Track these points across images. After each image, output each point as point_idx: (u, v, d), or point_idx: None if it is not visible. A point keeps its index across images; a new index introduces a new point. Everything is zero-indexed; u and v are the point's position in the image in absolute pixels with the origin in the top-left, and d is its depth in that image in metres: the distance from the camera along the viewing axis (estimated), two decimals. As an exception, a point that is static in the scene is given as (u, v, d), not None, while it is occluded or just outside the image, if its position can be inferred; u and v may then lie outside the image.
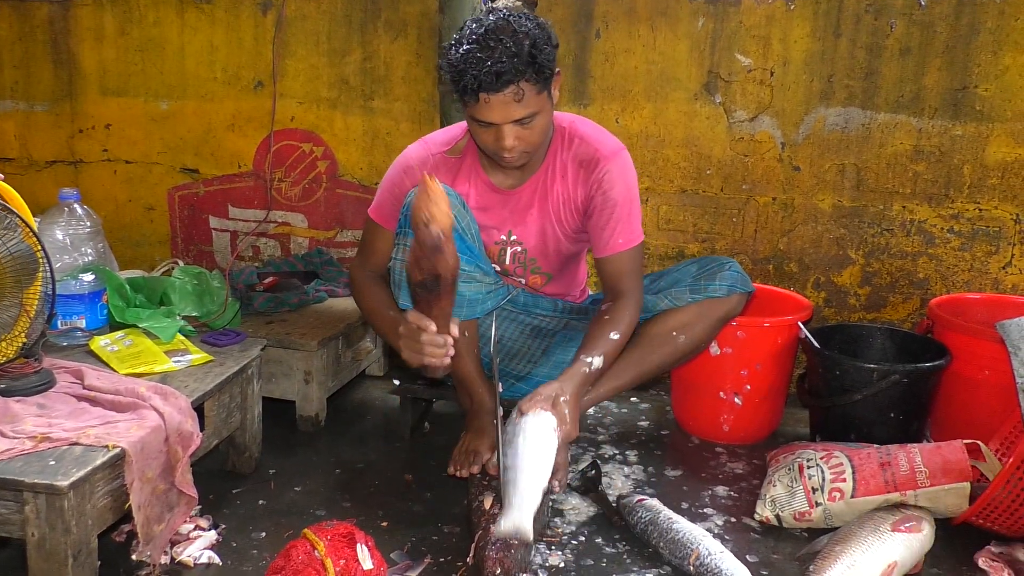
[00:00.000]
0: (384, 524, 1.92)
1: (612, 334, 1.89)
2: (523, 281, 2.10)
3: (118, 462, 1.59)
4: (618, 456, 2.25)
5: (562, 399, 1.76)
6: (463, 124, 2.03)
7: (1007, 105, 2.34)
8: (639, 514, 1.87)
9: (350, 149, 2.82)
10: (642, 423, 2.47)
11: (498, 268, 2.05)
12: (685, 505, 2.00)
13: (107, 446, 1.58)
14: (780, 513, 1.90)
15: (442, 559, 1.79)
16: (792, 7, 2.42)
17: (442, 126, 2.53)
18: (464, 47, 1.74)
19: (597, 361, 1.86)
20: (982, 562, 1.77)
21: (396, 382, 2.28)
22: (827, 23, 2.41)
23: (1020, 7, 2.29)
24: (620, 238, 1.95)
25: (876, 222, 2.48)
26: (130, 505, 1.61)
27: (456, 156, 2.01)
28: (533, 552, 1.79)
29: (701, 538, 1.76)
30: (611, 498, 2.02)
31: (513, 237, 2.04)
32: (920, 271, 2.48)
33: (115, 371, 1.92)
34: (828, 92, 2.45)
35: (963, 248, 2.44)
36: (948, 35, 2.35)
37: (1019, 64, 2.32)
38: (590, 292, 2.30)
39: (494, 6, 1.84)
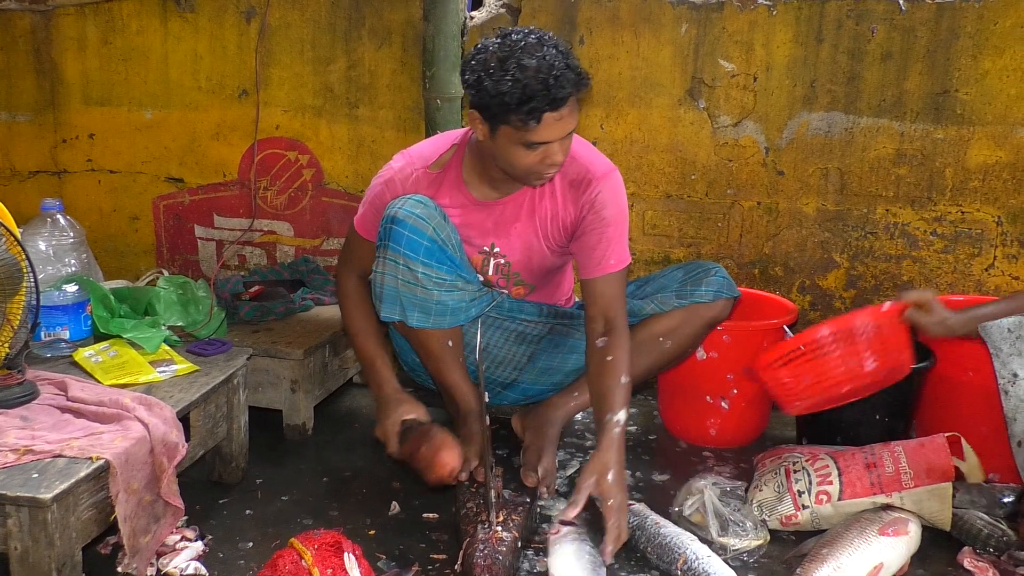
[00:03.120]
0: (372, 532, 1.92)
1: (623, 379, 1.86)
2: (506, 292, 2.10)
3: (102, 474, 1.59)
4: (606, 461, 2.25)
5: (608, 476, 1.75)
6: (449, 136, 2.03)
7: (987, 108, 2.37)
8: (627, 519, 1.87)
9: (335, 157, 2.81)
10: (630, 428, 2.47)
11: (481, 278, 2.04)
12: (672, 510, 2.00)
13: (91, 458, 1.57)
14: (767, 517, 1.91)
15: (430, 567, 1.79)
16: (775, 13, 2.44)
17: (427, 133, 2.53)
18: (513, 72, 1.67)
19: (622, 415, 1.84)
20: (967, 563, 1.78)
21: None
22: (809, 28, 2.43)
23: (999, 11, 2.32)
24: (612, 259, 1.94)
25: (860, 225, 2.50)
26: (115, 517, 1.61)
27: (438, 170, 1.98)
28: (521, 558, 1.79)
29: (688, 543, 1.76)
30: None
31: (496, 249, 2.04)
32: (904, 273, 2.49)
33: (99, 382, 1.91)
34: (811, 97, 2.46)
35: (946, 250, 2.46)
36: (929, 40, 2.37)
37: (999, 68, 2.34)
38: (576, 299, 2.30)
39: (505, 29, 1.81)
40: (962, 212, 2.43)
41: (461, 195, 1.98)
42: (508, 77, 1.67)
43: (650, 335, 2.05)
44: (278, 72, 2.79)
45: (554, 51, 1.70)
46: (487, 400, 1.73)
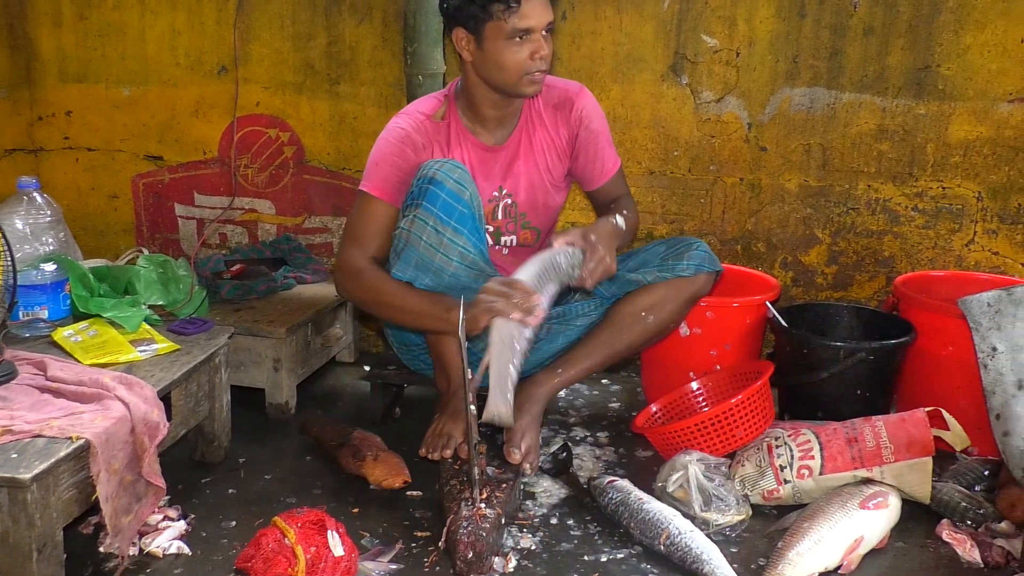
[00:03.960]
0: (355, 510, 1.92)
1: (623, 214, 1.98)
2: (515, 239, 2.13)
3: (83, 453, 1.57)
4: (589, 438, 2.26)
5: (592, 236, 1.85)
6: (434, 95, 2.08)
7: (968, 84, 2.37)
8: (610, 495, 1.88)
9: (317, 134, 2.79)
10: (613, 405, 2.48)
11: (490, 228, 2.07)
12: (656, 485, 2.01)
13: (71, 437, 1.56)
14: (749, 492, 1.92)
15: (413, 544, 1.79)
16: (757, -13, 2.43)
17: (409, 110, 2.51)
18: None
19: (620, 221, 1.95)
20: (946, 535, 1.80)
21: (367, 368, 2.27)
22: (792, 3, 2.42)
23: (981, -14, 2.32)
24: (610, 162, 2.12)
25: (842, 201, 2.50)
26: (97, 497, 1.59)
27: (440, 121, 2.02)
28: (505, 535, 1.80)
29: (671, 518, 1.77)
30: (582, 480, 2.03)
31: (504, 191, 2.08)
32: (886, 249, 2.50)
33: (79, 362, 1.89)
34: (793, 72, 2.46)
35: (927, 226, 2.47)
36: (911, 15, 2.36)
37: (980, 43, 2.34)
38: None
39: None
40: (943, 188, 2.44)
41: (469, 143, 2.04)
42: None
43: (633, 310, 2.05)
44: (258, 48, 2.76)
45: None
46: (472, 379, 1.72)
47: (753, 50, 2.46)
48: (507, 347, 1.72)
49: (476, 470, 1.78)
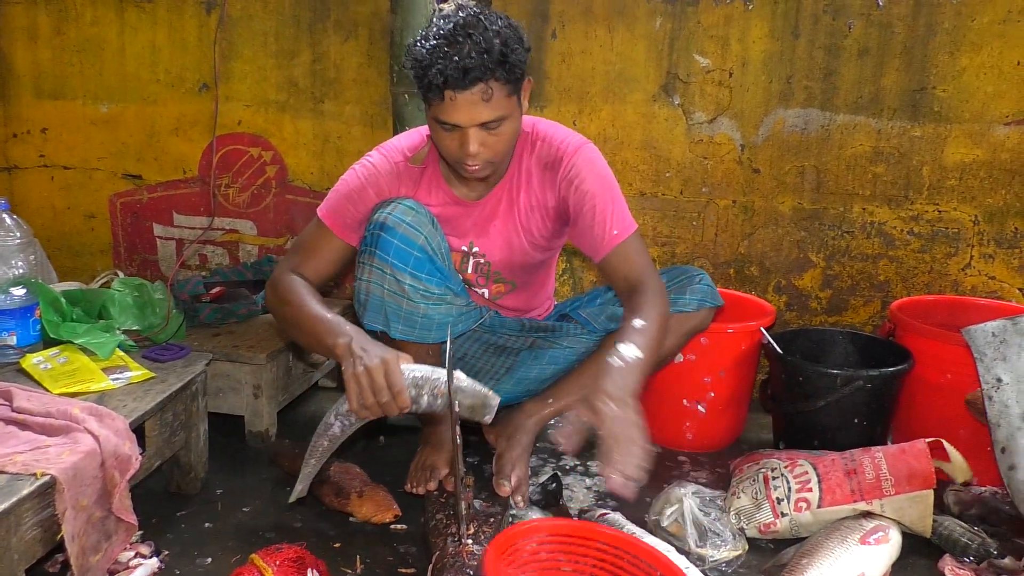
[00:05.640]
0: (337, 545, 1.84)
1: (635, 321, 1.67)
2: (485, 292, 2.02)
3: (48, 490, 1.49)
4: (579, 467, 2.19)
5: (611, 424, 1.51)
6: (421, 130, 1.94)
7: (964, 106, 2.34)
8: (602, 529, 1.81)
9: (300, 154, 2.72)
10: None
11: (461, 275, 1.97)
12: (649, 518, 1.94)
13: (35, 474, 1.48)
14: (745, 525, 1.86)
15: (398, 582, 1.72)
16: (750, 7, 2.39)
17: (395, 129, 2.45)
18: (431, 42, 1.62)
19: (628, 349, 1.60)
20: (948, 571, 1.74)
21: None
22: (785, 23, 2.38)
23: (976, 8, 2.29)
24: (614, 229, 1.80)
25: (836, 224, 2.46)
26: (63, 536, 1.52)
27: (418, 166, 1.89)
28: (493, 572, 1.72)
29: (666, 554, 1.70)
30: (573, 512, 1.96)
31: (475, 249, 1.96)
32: (881, 273, 2.46)
33: (48, 391, 1.81)
34: (787, 93, 2.42)
35: (923, 250, 2.43)
36: (906, 36, 2.33)
37: (976, 64, 2.31)
38: (555, 303, 2.23)
39: (459, 3, 1.75)
40: (939, 211, 2.40)
41: (442, 192, 1.90)
42: (424, 45, 1.63)
43: (631, 343, 1.99)
44: (240, 66, 2.70)
45: (486, 31, 1.61)
46: (458, 410, 1.66)
47: (746, 70, 2.42)
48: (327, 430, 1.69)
49: (463, 504, 1.71)
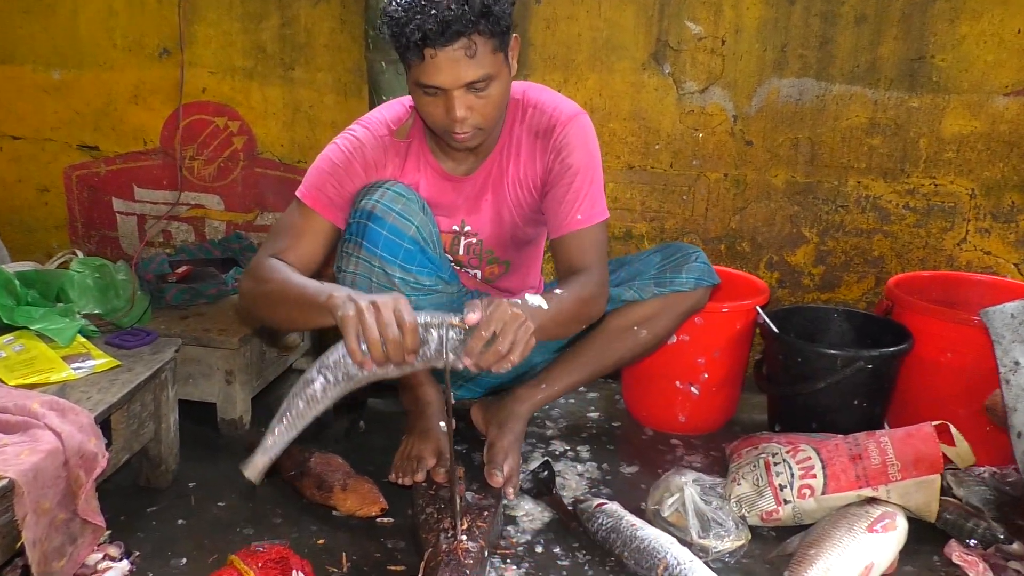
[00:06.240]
0: (320, 542, 1.74)
1: (558, 291, 1.60)
2: (478, 273, 1.91)
3: (7, 494, 1.37)
4: (569, 452, 2.11)
5: (491, 315, 1.38)
6: (404, 100, 1.82)
7: (963, 76, 2.26)
8: (599, 520, 1.73)
9: (269, 124, 2.58)
10: (592, 415, 2.33)
11: (451, 258, 1.85)
12: (643, 506, 1.87)
13: (-8, 477, 1.36)
14: (746, 513, 1.79)
15: (387, 580, 1.63)
16: (744, -29, 2.29)
17: (371, 98, 2.32)
18: None
19: (540, 301, 1.50)
20: (956, 557, 1.69)
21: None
22: (780, -12, 2.28)
23: (976, -26, 2.21)
24: (579, 213, 1.71)
25: (831, 198, 2.38)
26: (23, 542, 1.40)
27: (403, 139, 1.77)
28: (488, 568, 1.64)
29: (668, 546, 1.63)
30: (566, 501, 1.88)
31: (467, 228, 1.84)
32: (875, 249, 2.39)
33: (3, 383, 1.68)
34: (782, 62, 2.33)
35: (918, 224, 2.37)
36: (904, 2, 2.25)
37: (976, 33, 2.23)
38: (545, 281, 2.13)
39: None
40: (935, 184, 2.34)
41: (429, 167, 1.78)
42: (396, 3, 1.51)
43: (625, 323, 1.90)
44: (204, 30, 2.53)
45: None
46: (452, 401, 1.55)
47: (740, 38, 2.32)
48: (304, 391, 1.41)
49: (458, 500, 1.61)
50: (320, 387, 1.39)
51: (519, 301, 1.47)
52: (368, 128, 1.75)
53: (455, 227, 1.83)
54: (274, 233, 1.74)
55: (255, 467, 1.45)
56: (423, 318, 1.39)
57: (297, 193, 1.73)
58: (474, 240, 1.85)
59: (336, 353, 1.39)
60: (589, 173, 1.73)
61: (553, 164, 1.74)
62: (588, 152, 1.74)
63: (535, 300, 1.50)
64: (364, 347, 1.35)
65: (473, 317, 1.35)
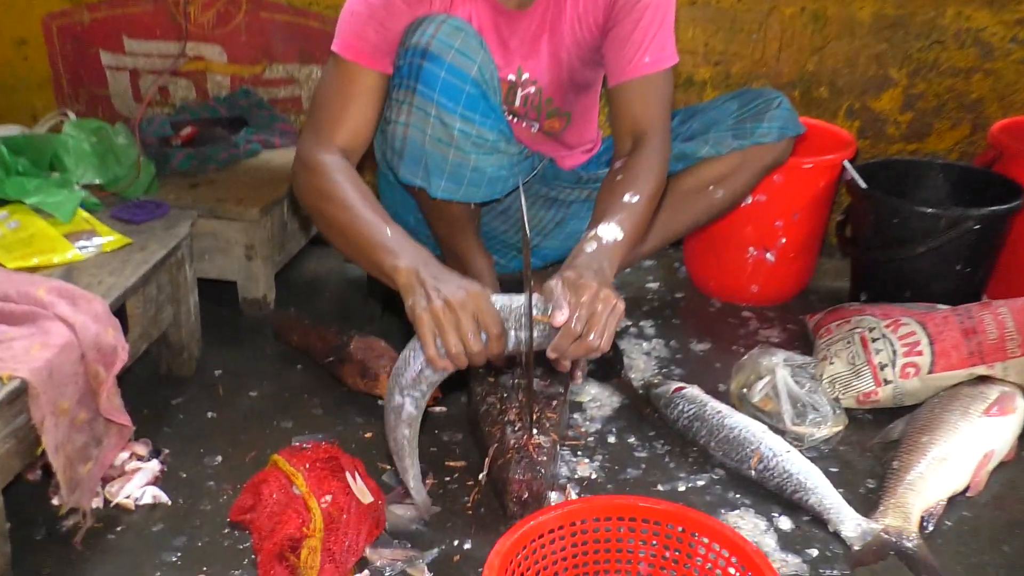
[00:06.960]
0: (368, 435, 1.57)
1: (628, 196, 1.39)
2: (537, 127, 1.65)
3: (20, 396, 1.20)
4: (632, 329, 1.92)
5: (569, 296, 1.20)
6: None
7: None
8: (679, 407, 1.56)
9: (274, -42, 2.24)
10: (651, 285, 2.12)
11: (506, 108, 1.58)
12: (722, 387, 1.69)
13: (1, 378, 1.18)
14: (841, 395, 1.61)
15: (447, 478, 1.47)
16: None
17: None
18: None
19: (607, 230, 1.33)
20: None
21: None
22: None
23: None
24: (647, 55, 1.47)
25: (924, 33, 2.07)
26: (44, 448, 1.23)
27: None
28: (559, 462, 1.47)
29: (761, 436, 1.46)
30: (635, 382, 1.70)
31: (525, 75, 1.55)
32: (974, 91, 2.10)
33: (1, 266, 1.46)
34: None
35: (1025, 61, 2.07)
36: None
37: None
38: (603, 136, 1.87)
39: None
40: (1049, 14, 2.03)
41: (481, 1, 1.48)
42: None
43: (699, 183, 1.66)
44: None
45: None
46: (531, 264, 1.31)
47: None
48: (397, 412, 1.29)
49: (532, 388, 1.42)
50: (412, 407, 1.27)
51: (594, 246, 1.30)
52: None
53: (511, 76, 1.55)
54: (316, 104, 1.45)
55: (425, 504, 1.39)
56: (502, 314, 1.21)
57: (334, 47, 1.42)
58: (532, 90, 1.57)
59: (412, 369, 1.25)
60: (661, 10, 1.47)
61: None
62: None
63: (609, 233, 1.33)
64: (443, 350, 1.18)
65: (561, 317, 1.18)
